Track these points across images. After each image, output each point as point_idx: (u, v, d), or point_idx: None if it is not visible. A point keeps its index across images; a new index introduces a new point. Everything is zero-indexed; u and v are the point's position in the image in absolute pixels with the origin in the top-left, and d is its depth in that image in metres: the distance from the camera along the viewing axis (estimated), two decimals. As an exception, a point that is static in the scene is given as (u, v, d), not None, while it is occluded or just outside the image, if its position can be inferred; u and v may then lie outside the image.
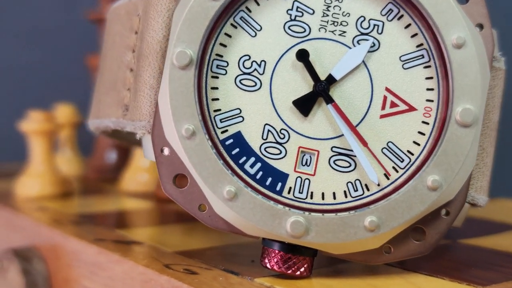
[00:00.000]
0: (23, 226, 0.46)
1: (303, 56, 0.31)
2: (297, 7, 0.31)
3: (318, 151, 0.31)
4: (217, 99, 0.31)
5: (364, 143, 0.30)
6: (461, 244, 0.37)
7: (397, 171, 0.31)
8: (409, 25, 0.31)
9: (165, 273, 0.32)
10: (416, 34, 0.31)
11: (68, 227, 0.42)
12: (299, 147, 0.31)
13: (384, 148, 0.31)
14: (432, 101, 0.31)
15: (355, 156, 0.31)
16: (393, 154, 0.31)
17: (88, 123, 0.41)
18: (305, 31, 0.31)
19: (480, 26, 0.31)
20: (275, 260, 0.31)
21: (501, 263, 0.33)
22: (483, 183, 0.32)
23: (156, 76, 0.33)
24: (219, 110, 0.31)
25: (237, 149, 0.31)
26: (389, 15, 0.31)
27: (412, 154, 0.31)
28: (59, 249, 0.41)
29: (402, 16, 0.31)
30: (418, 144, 0.31)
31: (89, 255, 0.38)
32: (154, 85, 0.33)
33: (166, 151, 0.31)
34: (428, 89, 0.31)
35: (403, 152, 0.31)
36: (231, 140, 0.31)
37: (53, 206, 0.48)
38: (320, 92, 0.31)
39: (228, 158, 0.31)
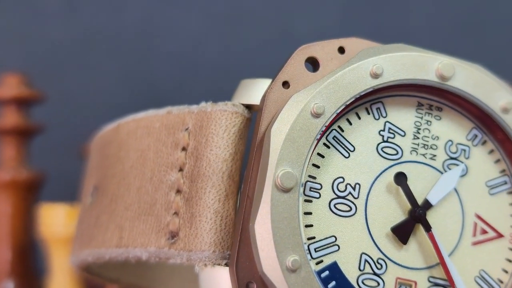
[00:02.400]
0: None
1: (401, 179, 0.29)
2: (389, 128, 0.30)
3: (415, 282, 0.29)
4: (311, 225, 0.28)
5: (451, 282, 0.29)
6: None
7: None
8: (492, 150, 0.31)
9: None
10: (498, 160, 0.31)
11: None
12: (397, 278, 0.29)
13: (477, 276, 0.30)
14: None
15: (448, 286, 0.29)
16: (485, 283, 0.30)
17: (80, 254, 0.34)
18: (397, 153, 0.30)
19: None
20: None
21: None
22: None
23: (222, 199, 0.29)
24: (314, 238, 0.28)
25: (334, 283, 0.28)
26: (473, 140, 0.31)
27: (502, 282, 0.30)
28: None
29: (485, 141, 0.31)
30: (507, 272, 0.30)
31: None
32: (219, 210, 0.29)
33: (254, 286, 0.27)
34: (511, 215, 0.31)
35: (493, 281, 0.30)
36: (327, 272, 0.28)
37: None
38: (419, 218, 0.29)
39: None
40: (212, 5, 0.74)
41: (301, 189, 0.28)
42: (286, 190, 0.27)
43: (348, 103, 0.29)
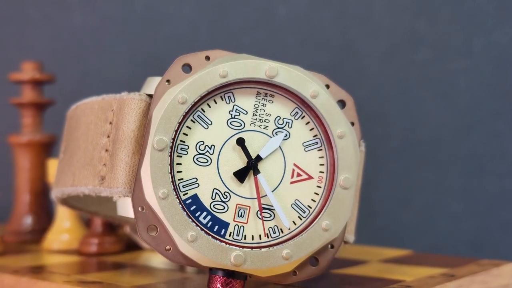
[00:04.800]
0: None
1: (241, 142, 0.45)
2: (236, 109, 0.46)
3: (249, 207, 0.45)
4: (181, 171, 0.45)
5: (260, 207, 0.45)
6: (333, 273, 0.53)
7: (301, 219, 0.46)
8: (308, 122, 0.47)
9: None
10: (313, 128, 0.47)
11: (30, 275, 0.52)
12: (237, 204, 0.45)
13: (293, 204, 0.46)
14: (323, 172, 0.46)
15: (274, 209, 0.45)
16: (298, 208, 0.46)
17: (54, 191, 0.52)
18: (241, 125, 0.46)
19: (352, 123, 0.47)
20: (220, 283, 0.44)
21: (363, 282, 0.49)
22: (352, 227, 0.48)
23: (130, 155, 0.46)
24: (182, 179, 0.45)
25: (194, 206, 0.44)
26: (295, 116, 0.47)
27: (311, 208, 0.46)
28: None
29: (304, 116, 0.47)
30: (314, 201, 0.46)
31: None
32: (128, 162, 0.46)
33: (143, 209, 0.44)
34: (320, 164, 0.46)
35: (305, 206, 0.46)
36: (190, 200, 0.44)
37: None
38: (251, 166, 0.45)
39: (188, 213, 0.44)
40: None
41: (174, 149, 0.44)
42: (160, 150, 0.44)
43: (203, 94, 0.45)
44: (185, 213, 0.44)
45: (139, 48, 0.90)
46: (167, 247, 0.44)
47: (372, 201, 0.81)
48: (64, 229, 0.66)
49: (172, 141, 0.44)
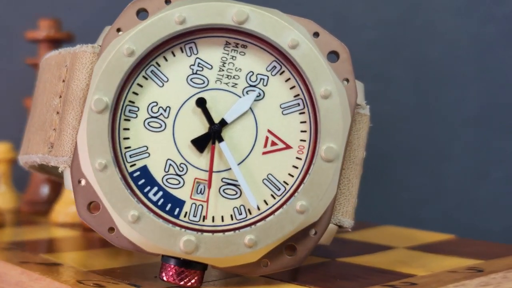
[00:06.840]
0: None
1: (201, 103, 0.37)
2: (198, 63, 0.38)
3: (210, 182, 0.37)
4: (128, 138, 0.37)
5: (210, 185, 0.37)
6: (337, 261, 0.44)
7: (274, 198, 0.37)
8: (288, 79, 0.38)
9: (77, 286, 0.37)
10: (294, 87, 0.38)
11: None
12: (195, 178, 0.37)
13: (265, 179, 0.37)
14: (304, 140, 0.38)
15: (240, 185, 0.37)
16: (271, 184, 0.37)
17: (19, 159, 0.46)
18: (204, 82, 0.38)
19: (347, 80, 0.38)
20: (171, 273, 0.37)
21: (363, 275, 0.40)
22: (348, 208, 0.39)
23: (78, 118, 0.39)
24: (129, 147, 0.37)
25: (143, 180, 0.37)
26: (273, 71, 0.38)
27: (287, 184, 0.37)
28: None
29: (283, 72, 0.38)
30: (292, 176, 0.37)
31: (13, 276, 0.43)
32: (76, 126, 0.39)
33: (83, 182, 0.37)
34: (302, 131, 0.38)
35: (280, 183, 0.37)
36: (138, 173, 0.37)
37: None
38: (213, 133, 0.37)
39: (135, 188, 0.37)
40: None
41: (121, 111, 0.37)
42: (99, 112, 0.36)
43: (157, 44, 0.37)
44: (128, 188, 0.36)
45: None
46: (110, 229, 0.37)
47: (443, 175, 0.73)
48: (72, 200, 0.60)
49: (116, 101, 0.37)
